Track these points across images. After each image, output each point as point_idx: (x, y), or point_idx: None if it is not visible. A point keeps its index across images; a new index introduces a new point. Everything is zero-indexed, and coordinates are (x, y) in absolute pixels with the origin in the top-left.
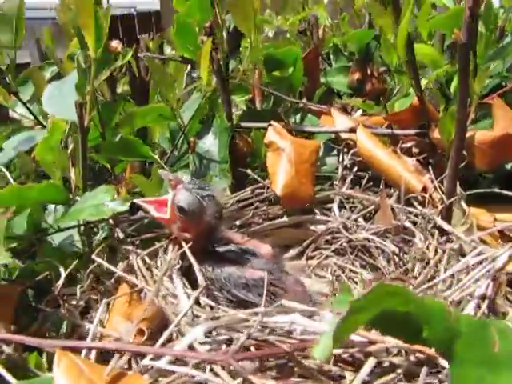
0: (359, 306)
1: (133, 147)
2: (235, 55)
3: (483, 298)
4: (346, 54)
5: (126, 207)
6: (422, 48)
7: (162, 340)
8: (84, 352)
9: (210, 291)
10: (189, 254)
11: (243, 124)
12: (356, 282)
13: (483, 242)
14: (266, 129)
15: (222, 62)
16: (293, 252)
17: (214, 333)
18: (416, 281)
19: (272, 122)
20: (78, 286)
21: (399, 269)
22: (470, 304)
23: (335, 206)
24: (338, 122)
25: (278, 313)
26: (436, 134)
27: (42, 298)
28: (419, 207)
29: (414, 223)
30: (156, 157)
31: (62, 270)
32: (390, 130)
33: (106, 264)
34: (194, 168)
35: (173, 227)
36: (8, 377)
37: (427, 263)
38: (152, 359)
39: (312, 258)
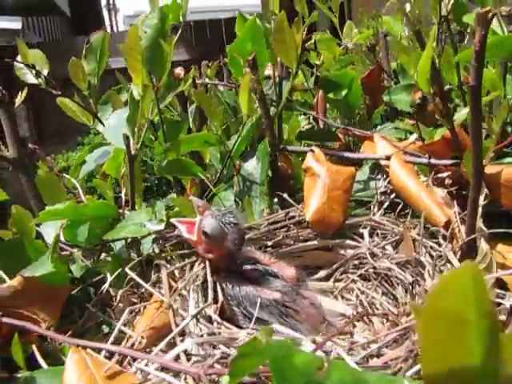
0: (244, 352)
1: (186, 167)
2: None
3: None
4: None
5: (161, 227)
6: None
7: (157, 349)
8: (103, 352)
9: (229, 306)
10: (208, 272)
11: (289, 148)
12: (377, 308)
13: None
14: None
15: (274, 87)
16: (322, 274)
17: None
18: (406, 318)
19: (313, 148)
20: (120, 291)
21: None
22: None
23: (366, 232)
24: (380, 147)
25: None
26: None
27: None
28: (442, 241)
29: (432, 257)
30: (205, 176)
31: (108, 275)
32: (426, 159)
33: (135, 277)
34: (237, 188)
35: (199, 248)
36: (42, 362)
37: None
38: (146, 364)
39: (339, 280)
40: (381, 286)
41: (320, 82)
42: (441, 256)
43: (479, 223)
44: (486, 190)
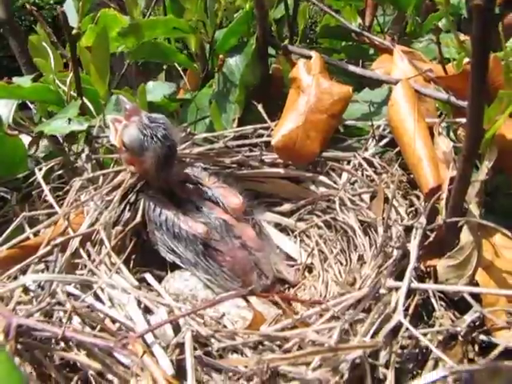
0: None
1: (164, 52)
2: None
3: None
4: None
5: (83, 127)
6: None
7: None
8: None
9: (151, 228)
10: (123, 186)
11: (290, 47)
12: (329, 264)
13: None
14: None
15: None
16: (286, 207)
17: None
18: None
19: (313, 53)
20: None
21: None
22: None
23: (345, 174)
24: (397, 66)
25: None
26: None
27: None
28: (420, 207)
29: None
30: (192, 67)
31: (36, 169)
32: (445, 96)
33: (41, 180)
34: (216, 88)
35: (122, 157)
36: None
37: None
38: None
39: (303, 220)
40: (341, 241)
41: None
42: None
43: (472, 203)
44: (489, 162)
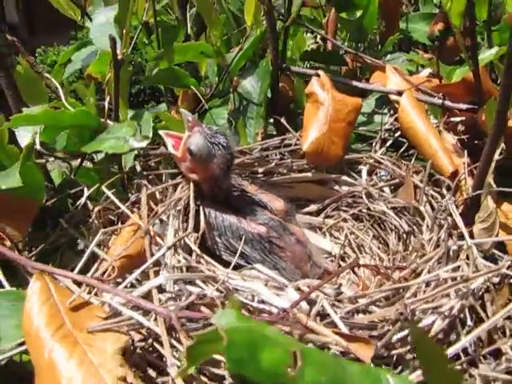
0: (203, 340)
1: (178, 77)
2: None
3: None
4: None
5: (143, 144)
6: None
7: (127, 281)
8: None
9: (211, 235)
10: (191, 197)
11: (293, 68)
12: (365, 251)
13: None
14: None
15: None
16: (313, 208)
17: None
18: (399, 273)
19: (319, 72)
20: (96, 208)
21: (404, 251)
22: (430, 317)
23: (364, 170)
24: (391, 80)
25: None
26: (484, 115)
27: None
28: (445, 192)
29: (434, 208)
30: (199, 90)
31: (85, 188)
32: (440, 101)
33: (111, 196)
34: (232, 107)
35: (183, 166)
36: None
37: (422, 256)
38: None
39: (330, 217)
40: (372, 229)
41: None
42: (443, 209)
43: (489, 179)
44: (502, 143)
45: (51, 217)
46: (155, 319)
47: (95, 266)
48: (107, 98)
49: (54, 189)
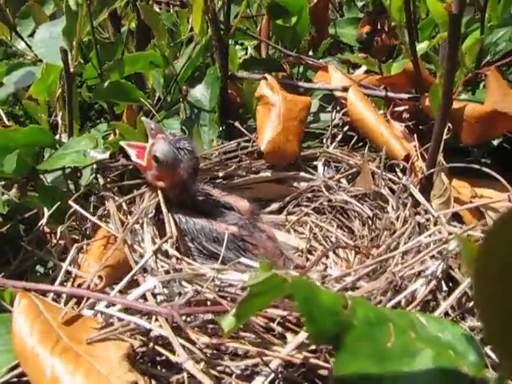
0: (257, 291)
1: (126, 91)
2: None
3: (432, 277)
4: (360, 4)
5: (106, 156)
6: (435, 5)
7: (118, 288)
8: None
9: (183, 241)
10: (162, 203)
11: (238, 74)
12: (331, 242)
13: (458, 216)
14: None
15: (222, 9)
16: (274, 206)
17: (174, 284)
18: (376, 250)
19: (266, 75)
20: (59, 228)
21: (371, 234)
22: (418, 282)
23: (320, 165)
24: (334, 79)
25: (234, 271)
26: (427, 101)
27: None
28: (400, 175)
29: (392, 191)
30: (148, 102)
31: (45, 209)
32: (383, 93)
33: (81, 210)
34: (184, 116)
35: (148, 174)
36: None
37: (393, 233)
38: (107, 306)
39: (292, 213)
40: (336, 220)
41: (268, 8)
42: (403, 189)
43: (440, 157)
44: (448, 124)
45: (9, 244)
46: (156, 320)
47: (69, 283)
48: (59, 114)
49: (2, 215)
